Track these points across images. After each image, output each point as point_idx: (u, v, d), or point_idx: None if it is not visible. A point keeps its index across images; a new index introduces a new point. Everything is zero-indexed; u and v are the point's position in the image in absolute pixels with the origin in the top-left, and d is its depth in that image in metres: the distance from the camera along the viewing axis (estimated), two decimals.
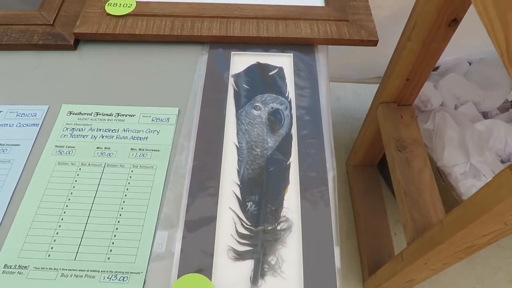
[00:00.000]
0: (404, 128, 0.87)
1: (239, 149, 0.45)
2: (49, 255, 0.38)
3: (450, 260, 0.70)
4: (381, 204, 1.12)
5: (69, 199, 0.42)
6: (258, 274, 0.38)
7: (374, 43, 0.55)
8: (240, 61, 0.54)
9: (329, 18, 0.56)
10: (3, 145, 0.45)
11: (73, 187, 0.42)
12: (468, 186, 0.87)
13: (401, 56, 0.76)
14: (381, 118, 0.90)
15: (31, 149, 0.45)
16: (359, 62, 1.07)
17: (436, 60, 0.78)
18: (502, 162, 0.92)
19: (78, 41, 0.56)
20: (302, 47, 0.55)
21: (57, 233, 0.40)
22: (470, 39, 0.95)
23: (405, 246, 0.75)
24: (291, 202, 0.41)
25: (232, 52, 0.54)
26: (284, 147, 0.45)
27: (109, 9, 0.55)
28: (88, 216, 0.41)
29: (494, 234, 0.56)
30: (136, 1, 0.56)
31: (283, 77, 0.52)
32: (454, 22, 0.68)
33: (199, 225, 0.40)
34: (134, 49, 0.55)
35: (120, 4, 0.56)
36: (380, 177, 1.17)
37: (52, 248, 0.39)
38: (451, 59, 1.06)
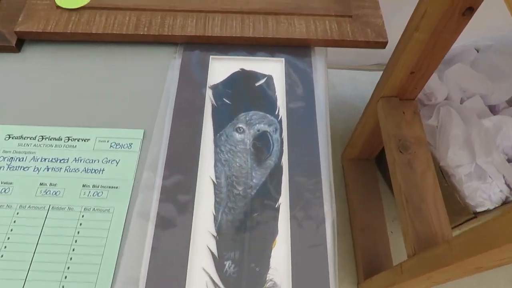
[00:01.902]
0: (406, 126, 0.80)
1: (216, 186, 0.36)
2: None
3: (455, 277, 0.65)
4: (378, 201, 1.06)
5: (1, 256, 0.33)
6: None
7: (383, 45, 0.46)
8: (221, 67, 0.44)
9: (329, 13, 0.46)
10: None
11: (8, 238, 0.34)
12: (472, 188, 0.82)
13: (407, 47, 0.68)
14: (381, 113, 0.83)
15: None
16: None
17: (446, 53, 0.70)
18: (509, 161, 0.86)
19: (22, 41, 0.45)
20: (296, 49, 0.45)
21: None
22: (478, 23, 0.87)
23: (402, 244, 0.70)
24: (280, 261, 0.33)
25: (211, 56, 0.44)
26: (272, 184, 0.36)
27: (60, 1, 0.45)
28: (25, 279, 0.32)
29: (509, 259, 0.50)
30: None
31: (272, 89, 0.43)
32: (469, 11, 0.60)
33: None
34: (90, 52, 0.45)
35: None
36: (377, 172, 1.10)
37: None
38: (457, 46, 0.97)
